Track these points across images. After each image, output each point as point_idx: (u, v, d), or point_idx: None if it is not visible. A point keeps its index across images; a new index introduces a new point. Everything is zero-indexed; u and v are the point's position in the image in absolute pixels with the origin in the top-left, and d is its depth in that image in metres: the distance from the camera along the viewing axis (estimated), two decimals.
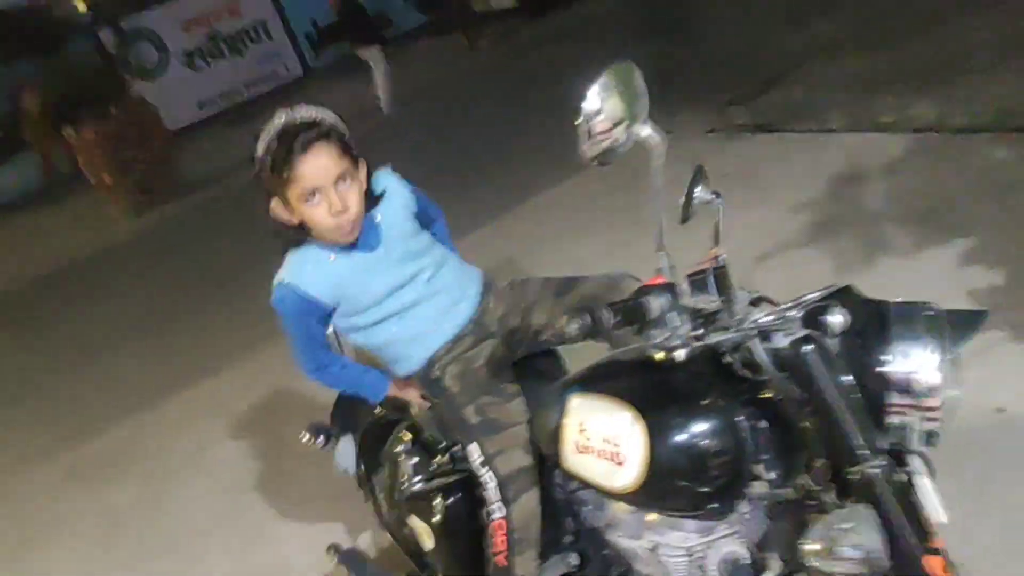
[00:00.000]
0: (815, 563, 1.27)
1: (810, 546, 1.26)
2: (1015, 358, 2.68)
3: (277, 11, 15.58)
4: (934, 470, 1.32)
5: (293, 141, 1.73)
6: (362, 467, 2.43)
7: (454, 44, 12.96)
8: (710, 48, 7.74)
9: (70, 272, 9.16)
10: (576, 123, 1.39)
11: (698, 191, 1.54)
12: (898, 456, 1.27)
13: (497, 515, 1.86)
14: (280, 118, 1.76)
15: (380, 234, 1.91)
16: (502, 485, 1.83)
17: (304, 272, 1.87)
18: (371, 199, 1.89)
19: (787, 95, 5.87)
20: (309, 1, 14.89)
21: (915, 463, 1.29)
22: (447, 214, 2.26)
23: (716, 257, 1.48)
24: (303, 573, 3.10)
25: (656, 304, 1.29)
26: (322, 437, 2.39)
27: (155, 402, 5.07)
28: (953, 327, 1.26)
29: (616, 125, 1.39)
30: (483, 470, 1.86)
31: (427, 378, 2.01)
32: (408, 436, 2.23)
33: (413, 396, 2.12)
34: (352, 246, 1.88)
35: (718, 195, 1.53)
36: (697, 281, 1.43)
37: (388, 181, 1.97)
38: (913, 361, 1.24)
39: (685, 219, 1.54)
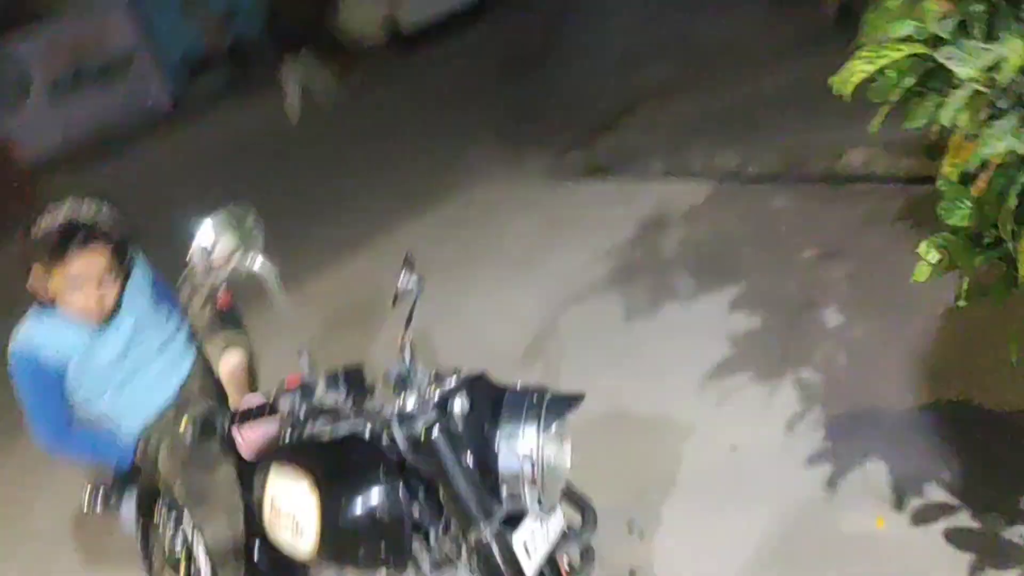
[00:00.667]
0: None
1: None
2: (749, 401, 2.98)
3: (147, 42, 15.26)
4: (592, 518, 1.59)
5: (72, 236, 1.89)
6: (139, 530, 2.51)
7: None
8: (559, 90, 8.09)
9: None
10: (188, 258, 1.58)
11: (402, 279, 1.75)
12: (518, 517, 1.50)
13: None
14: (66, 209, 1.92)
15: (119, 312, 2.07)
16: (210, 554, 1.97)
17: (40, 338, 2.00)
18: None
19: (618, 140, 6.22)
20: (180, 32, 14.66)
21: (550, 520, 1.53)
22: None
23: (403, 342, 1.69)
24: None
25: (289, 402, 1.49)
26: (99, 501, 2.45)
27: None
28: (552, 410, 1.49)
29: (230, 258, 1.60)
30: (193, 539, 2.01)
31: (142, 450, 2.15)
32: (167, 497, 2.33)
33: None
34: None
35: (420, 283, 1.75)
36: (333, 377, 1.61)
37: (136, 265, 2.14)
38: (518, 441, 1.47)
39: (394, 303, 1.75)
